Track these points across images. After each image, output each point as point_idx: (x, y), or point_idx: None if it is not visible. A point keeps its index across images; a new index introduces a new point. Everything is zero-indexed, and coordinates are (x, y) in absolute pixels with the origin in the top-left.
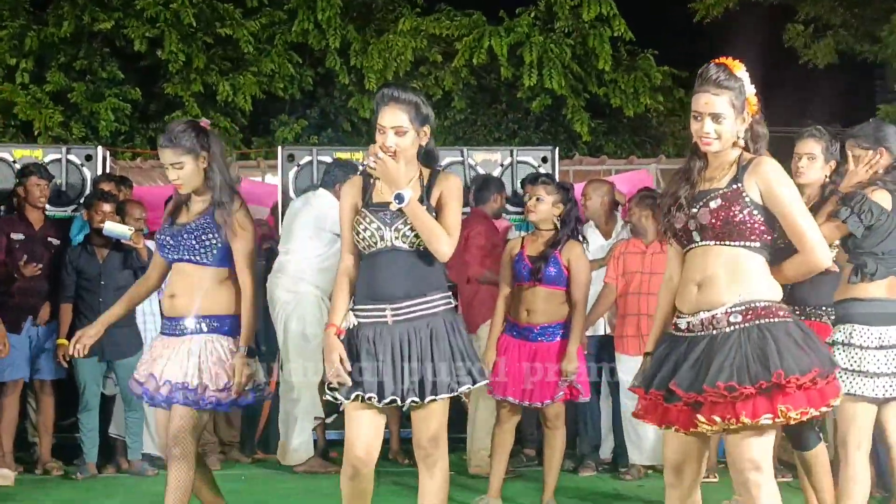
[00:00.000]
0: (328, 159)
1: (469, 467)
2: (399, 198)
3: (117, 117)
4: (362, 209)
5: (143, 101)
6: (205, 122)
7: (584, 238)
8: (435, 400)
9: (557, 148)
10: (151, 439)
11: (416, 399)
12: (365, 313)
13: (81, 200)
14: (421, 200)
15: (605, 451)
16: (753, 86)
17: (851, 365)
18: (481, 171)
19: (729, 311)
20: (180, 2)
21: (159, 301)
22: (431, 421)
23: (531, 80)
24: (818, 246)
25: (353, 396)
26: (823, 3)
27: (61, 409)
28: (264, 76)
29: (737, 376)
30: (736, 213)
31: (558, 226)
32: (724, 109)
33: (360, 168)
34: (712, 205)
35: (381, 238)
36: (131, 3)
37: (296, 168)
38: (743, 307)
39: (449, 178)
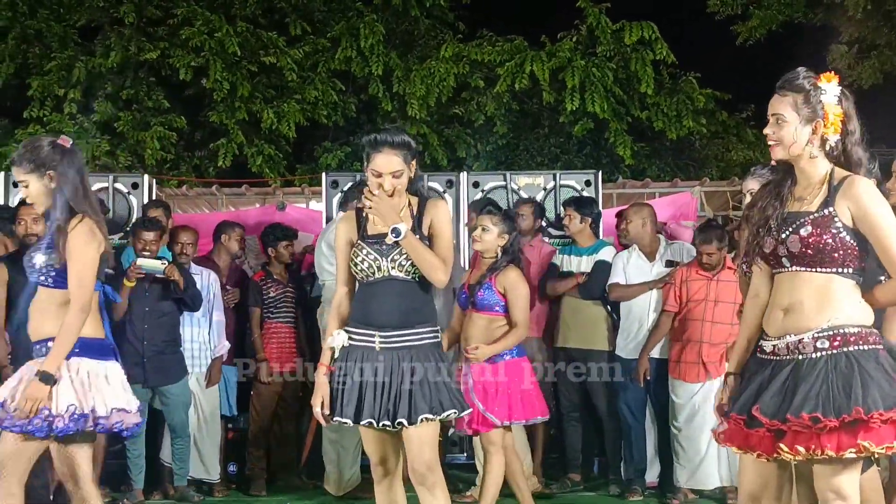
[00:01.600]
0: None
1: None
2: (396, 232)
3: (163, 146)
4: (358, 241)
5: (189, 130)
6: (64, 139)
7: (521, 265)
8: (425, 421)
9: (600, 171)
10: (202, 464)
11: (388, 423)
12: (356, 336)
13: (128, 228)
14: (413, 230)
15: (652, 476)
16: (848, 103)
17: None
18: (524, 195)
19: (816, 336)
20: (225, 31)
21: (208, 329)
22: (423, 445)
23: (573, 104)
24: None
25: (334, 420)
26: (867, 24)
27: (109, 435)
28: (308, 104)
29: (822, 408)
30: (827, 240)
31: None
32: (786, 111)
33: (355, 204)
34: (803, 232)
35: (379, 268)
36: (177, 33)
37: (340, 194)
38: (831, 332)
39: (438, 205)
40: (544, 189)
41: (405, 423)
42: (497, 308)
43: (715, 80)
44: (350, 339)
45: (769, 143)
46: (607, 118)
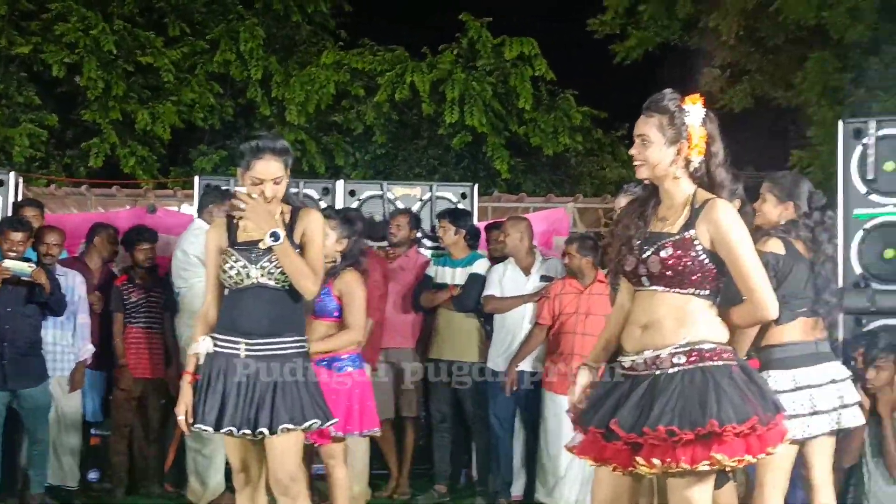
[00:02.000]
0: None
1: None
2: (275, 236)
3: (32, 143)
4: (228, 248)
5: (60, 128)
6: None
7: (364, 269)
8: (287, 431)
9: (477, 185)
10: (61, 470)
11: (248, 432)
12: (221, 343)
13: None
14: (287, 238)
15: (517, 489)
16: (712, 125)
17: None
18: (400, 205)
19: (673, 351)
20: (100, 28)
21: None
22: (285, 455)
23: (453, 116)
24: (767, 298)
25: (196, 427)
26: (739, 49)
27: None
28: (184, 105)
29: (677, 421)
30: (687, 263)
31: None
32: (651, 132)
33: (225, 211)
34: (663, 253)
35: (248, 275)
36: (50, 28)
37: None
38: (688, 348)
39: (310, 214)
40: (420, 200)
41: (266, 432)
42: (336, 314)
43: (592, 99)
44: (215, 345)
45: (634, 163)
46: (486, 132)
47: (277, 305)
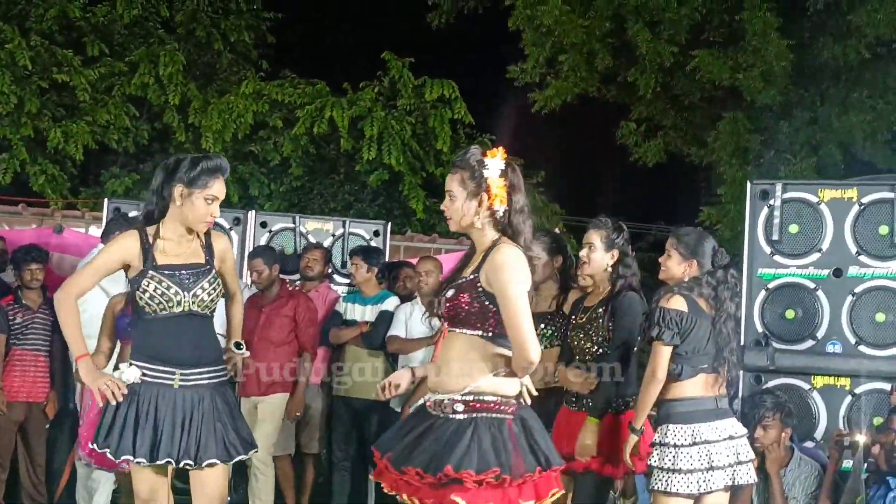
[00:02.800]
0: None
1: None
2: (239, 346)
3: None
4: (150, 271)
5: None
6: None
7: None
8: (214, 465)
9: (390, 223)
10: None
11: (191, 462)
12: (152, 374)
13: None
14: (208, 262)
15: None
16: (514, 176)
17: (666, 464)
18: (312, 239)
19: (455, 398)
20: (16, 43)
21: None
22: (212, 486)
23: (370, 153)
24: (528, 340)
25: (121, 458)
26: (656, 105)
27: None
28: (99, 126)
29: (426, 464)
30: (463, 303)
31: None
32: (454, 187)
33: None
34: (448, 294)
35: (179, 303)
36: None
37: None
38: (470, 398)
39: (223, 238)
40: (332, 235)
41: (214, 461)
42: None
43: (509, 144)
44: (143, 374)
45: (446, 216)
46: (403, 171)
47: (205, 334)
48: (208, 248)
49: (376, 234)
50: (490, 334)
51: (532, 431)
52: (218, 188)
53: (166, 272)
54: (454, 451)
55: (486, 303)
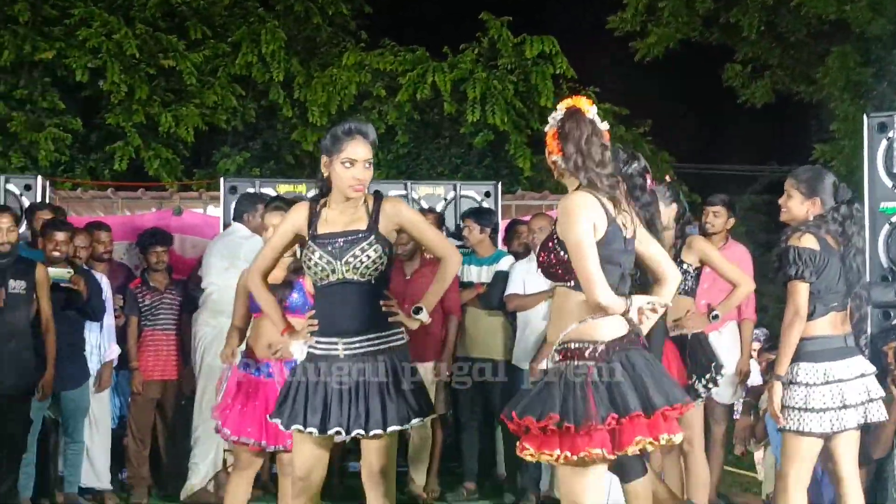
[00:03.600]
0: (271, 191)
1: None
2: (417, 311)
3: (57, 147)
4: (310, 241)
5: (84, 132)
6: None
7: None
8: (380, 435)
9: (500, 183)
10: (93, 472)
11: (362, 431)
12: (318, 345)
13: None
14: (370, 228)
15: (545, 484)
16: (571, 124)
17: (797, 403)
18: (424, 204)
19: (556, 350)
20: (123, 33)
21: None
22: (382, 452)
23: (474, 115)
24: (592, 286)
25: (293, 427)
26: (761, 45)
27: None
28: (207, 108)
29: (531, 411)
30: (543, 259)
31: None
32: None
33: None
34: (541, 250)
35: (333, 271)
36: (73, 34)
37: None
38: (562, 347)
39: (390, 200)
40: (444, 199)
41: (380, 432)
42: (307, 308)
43: (613, 95)
44: (312, 348)
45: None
46: (507, 130)
47: (367, 301)
48: (374, 214)
49: (487, 195)
50: (571, 283)
51: (622, 376)
52: (352, 150)
53: (323, 241)
54: (522, 399)
55: (561, 253)
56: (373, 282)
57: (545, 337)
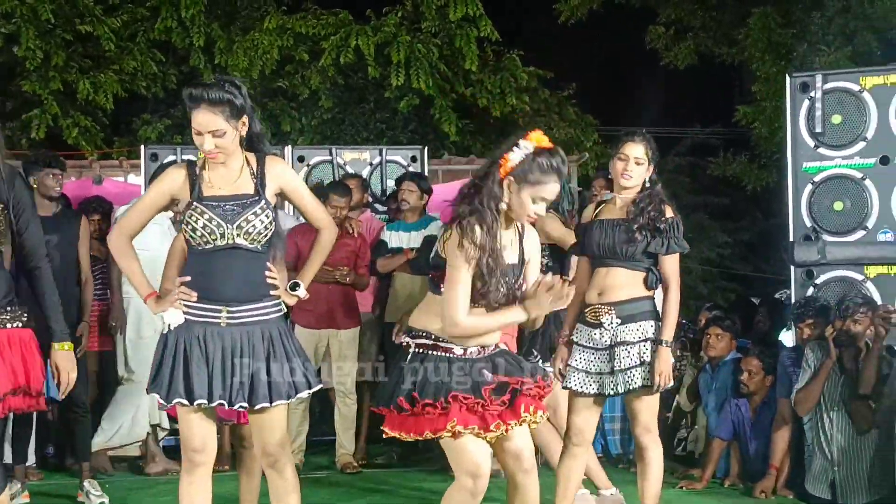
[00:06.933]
0: (193, 159)
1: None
2: (294, 286)
3: None
4: (194, 203)
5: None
6: None
7: None
8: (273, 406)
9: (426, 147)
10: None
11: (246, 404)
12: (198, 312)
13: None
14: (257, 192)
15: None
16: None
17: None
18: (350, 170)
19: None
20: None
21: None
22: (275, 426)
23: (399, 79)
24: None
25: (175, 401)
26: (683, 6)
27: None
28: (126, 74)
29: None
30: None
31: None
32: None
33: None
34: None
35: (222, 235)
36: None
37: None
38: None
39: (276, 163)
40: (370, 164)
41: (267, 405)
42: None
43: (537, 59)
44: (190, 315)
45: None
46: (432, 94)
47: (252, 269)
48: (259, 177)
49: (413, 159)
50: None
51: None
52: (196, 120)
53: (211, 203)
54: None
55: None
56: (260, 248)
57: None
